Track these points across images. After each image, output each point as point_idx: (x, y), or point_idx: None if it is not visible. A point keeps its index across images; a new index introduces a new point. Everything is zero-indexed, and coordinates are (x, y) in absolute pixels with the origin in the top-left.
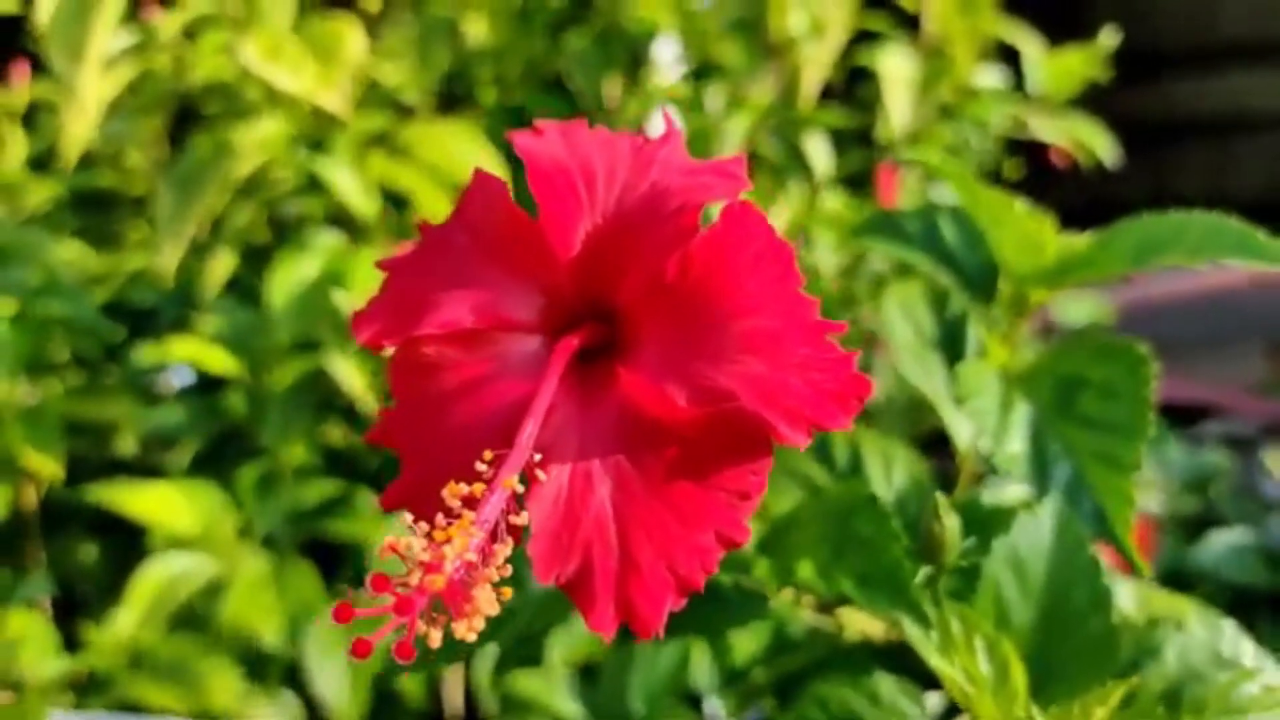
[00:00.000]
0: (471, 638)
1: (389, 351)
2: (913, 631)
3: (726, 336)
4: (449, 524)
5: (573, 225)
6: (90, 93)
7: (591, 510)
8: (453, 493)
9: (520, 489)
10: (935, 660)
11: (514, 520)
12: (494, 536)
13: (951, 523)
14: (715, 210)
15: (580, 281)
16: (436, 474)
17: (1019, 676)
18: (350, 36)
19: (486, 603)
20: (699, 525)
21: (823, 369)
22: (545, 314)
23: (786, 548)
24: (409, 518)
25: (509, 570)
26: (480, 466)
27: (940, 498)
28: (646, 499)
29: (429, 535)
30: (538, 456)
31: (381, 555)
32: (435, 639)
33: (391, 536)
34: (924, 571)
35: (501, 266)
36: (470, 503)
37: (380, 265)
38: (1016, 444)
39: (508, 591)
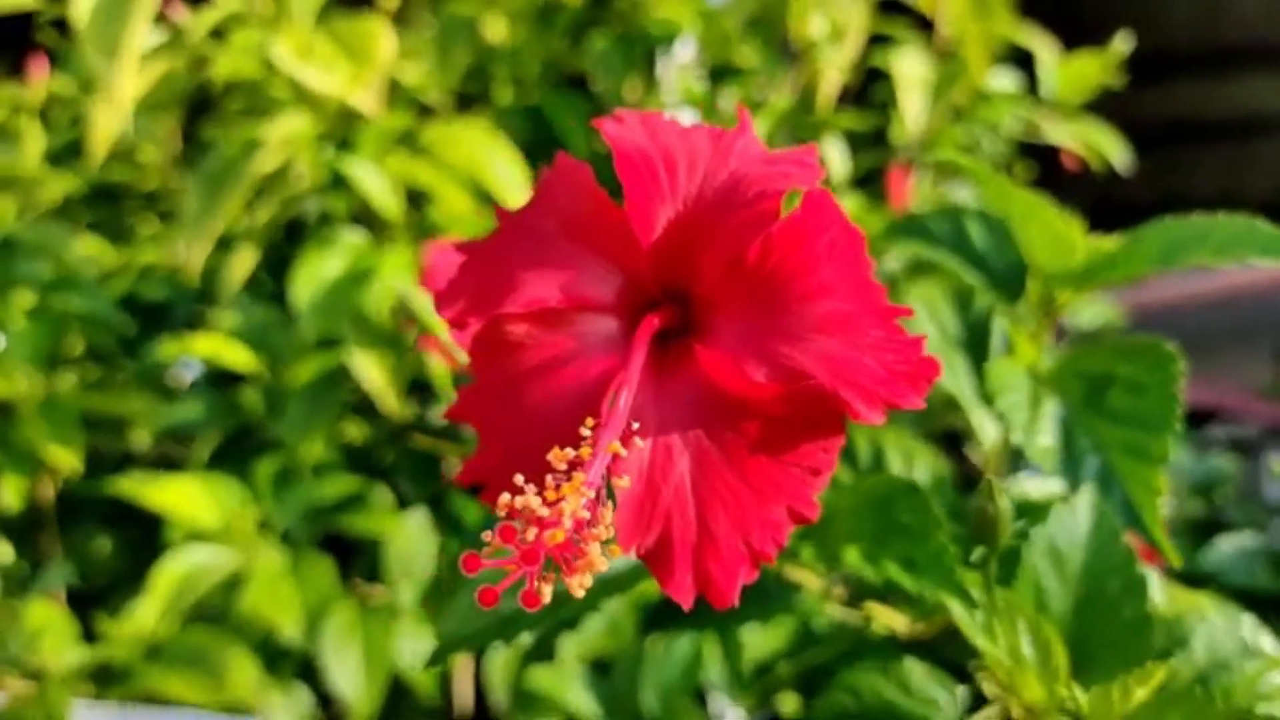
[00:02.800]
0: (581, 594)
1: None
2: (959, 613)
3: (804, 318)
4: (559, 484)
5: (655, 210)
6: (125, 89)
7: (671, 484)
8: (559, 457)
9: (623, 452)
10: (981, 640)
11: (616, 483)
12: (598, 498)
13: (1004, 503)
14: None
15: (660, 264)
16: (516, 448)
17: (1061, 657)
18: (381, 35)
19: (598, 558)
20: (773, 499)
21: (895, 350)
22: (624, 295)
23: (831, 535)
24: (519, 479)
25: (613, 531)
26: (583, 432)
27: (993, 479)
28: (724, 473)
29: (542, 495)
30: (634, 425)
31: (500, 511)
32: (546, 595)
33: (506, 496)
34: (979, 551)
35: (584, 248)
36: (577, 465)
37: (459, 248)
38: (1047, 439)
39: (616, 549)
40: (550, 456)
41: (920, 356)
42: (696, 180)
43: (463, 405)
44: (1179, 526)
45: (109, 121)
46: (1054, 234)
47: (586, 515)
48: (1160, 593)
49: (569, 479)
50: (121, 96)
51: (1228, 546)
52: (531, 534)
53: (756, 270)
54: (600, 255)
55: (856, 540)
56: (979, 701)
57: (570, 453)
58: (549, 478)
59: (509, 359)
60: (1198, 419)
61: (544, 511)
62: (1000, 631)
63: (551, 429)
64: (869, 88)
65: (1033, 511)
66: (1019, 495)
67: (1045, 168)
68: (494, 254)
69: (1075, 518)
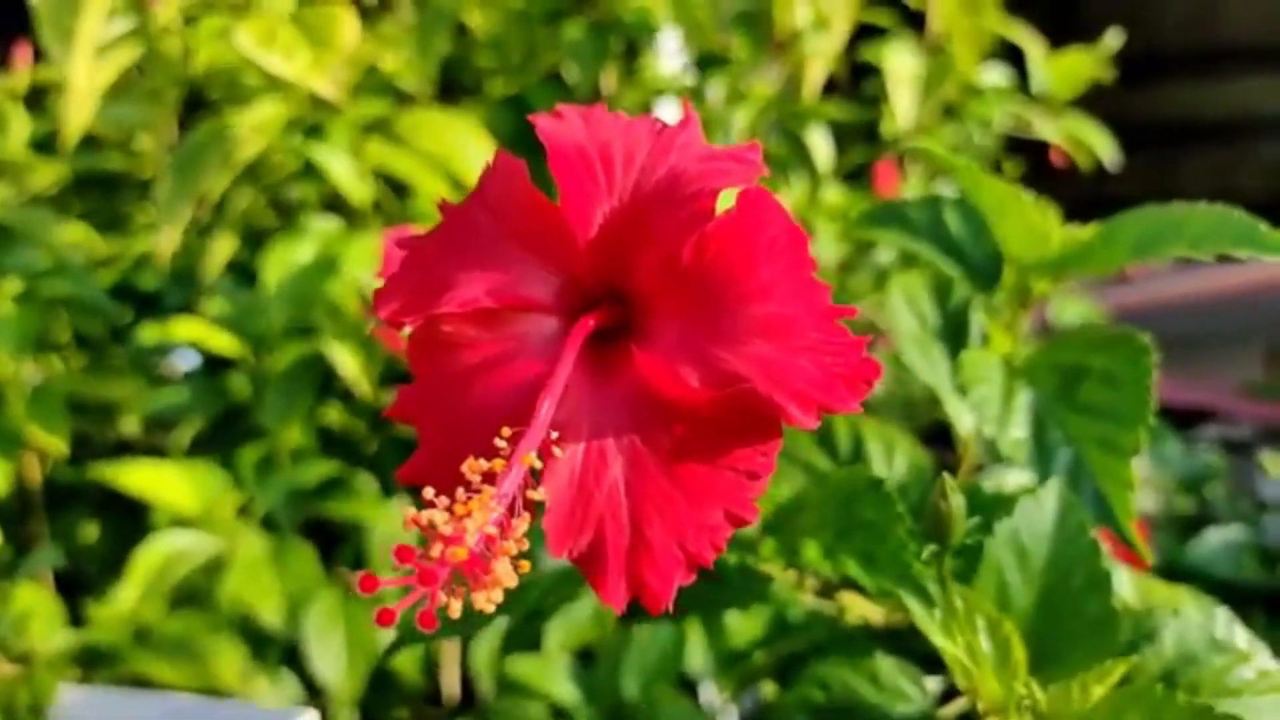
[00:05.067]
0: (490, 609)
1: (388, 332)
2: (917, 611)
3: (740, 320)
4: (469, 498)
5: (591, 208)
6: (82, 78)
7: (604, 487)
8: (473, 469)
9: (538, 465)
10: (938, 639)
11: (531, 495)
12: (512, 511)
13: (958, 501)
14: (731, 195)
15: (597, 263)
16: (454, 449)
17: (1020, 654)
18: (344, 22)
19: (505, 575)
20: (709, 503)
21: (833, 353)
22: (562, 294)
23: (792, 530)
24: (430, 492)
25: (526, 544)
26: (499, 443)
27: (947, 477)
28: (658, 477)
29: (450, 509)
30: (554, 434)
31: (405, 527)
32: (455, 610)
33: (412, 510)
34: (929, 549)
35: (520, 247)
36: (489, 478)
37: (399, 243)
38: (1019, 430)
39: (526, 565)
40: (465, 468)
41: (860, 358)
42: (633, 175)
43: (402, 404)
44: (1168, 522)
45: (76, 109)
46: (1029, 224)
47: (495, 531)
48: (1129, 586)
49: (480, 492)
50: (79, 83)
51: (1214, 540)
52: (436, 551)
53: (692, 271)
54: (538, 254)
55: (819, 534)
56: (954, 690)
57: (484, 464)
58: (459, 491)
59: (447, 359)
60: (1190, 419)
61: (447, 529)
62: (958, 629)
63: (487, 432)
64: (860, 82)
65: (1006, 503)
66: (995, 487)
67: (1035, 164)
68: (432, 251)
69: (1041, 511)
